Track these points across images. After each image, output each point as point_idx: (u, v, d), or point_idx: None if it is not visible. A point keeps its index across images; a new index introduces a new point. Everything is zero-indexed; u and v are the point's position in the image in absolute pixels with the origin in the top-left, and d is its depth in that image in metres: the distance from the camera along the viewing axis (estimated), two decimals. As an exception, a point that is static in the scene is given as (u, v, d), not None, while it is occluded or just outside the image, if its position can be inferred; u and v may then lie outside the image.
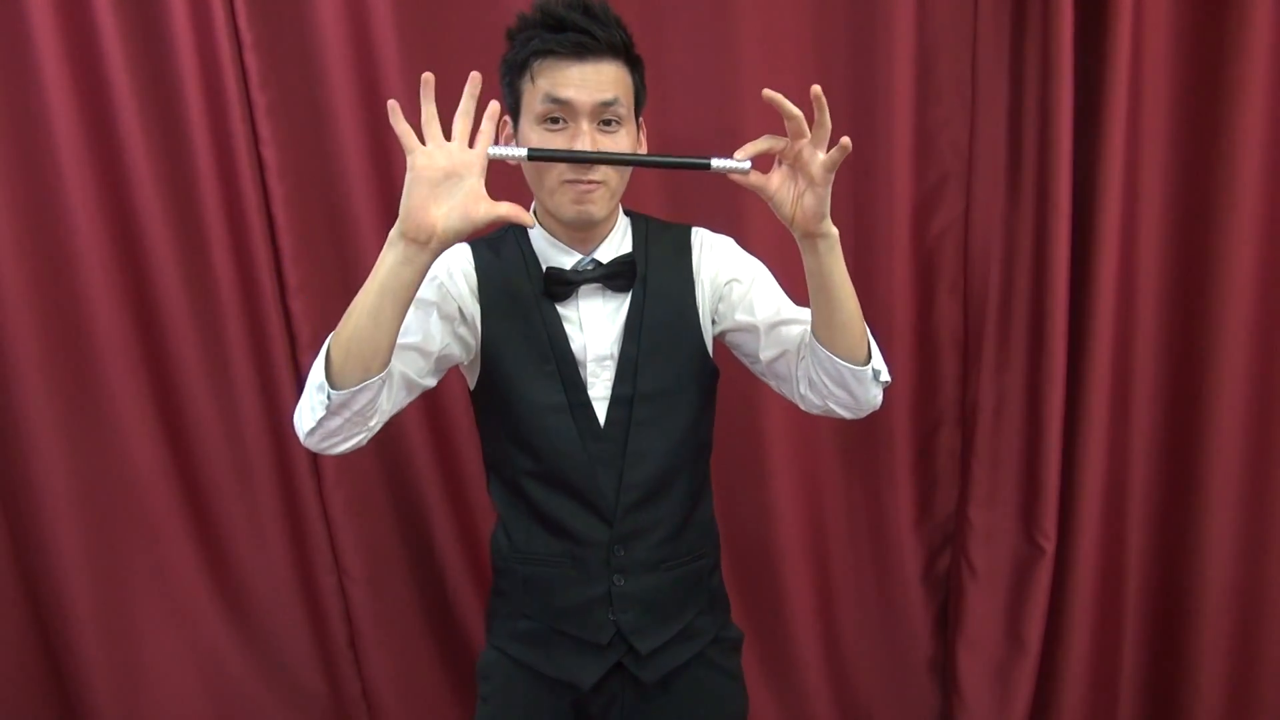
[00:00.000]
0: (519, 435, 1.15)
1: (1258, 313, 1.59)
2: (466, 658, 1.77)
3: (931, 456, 1.84)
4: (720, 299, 1.20)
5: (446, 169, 0.94)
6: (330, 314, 1.61)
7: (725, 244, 1.24)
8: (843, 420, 1.77)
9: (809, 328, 1.17)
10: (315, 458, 1.64)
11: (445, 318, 1.10)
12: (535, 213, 1.16)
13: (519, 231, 1.17)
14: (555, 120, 1.04)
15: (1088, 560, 1.69)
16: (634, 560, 1.17)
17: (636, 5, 1.57)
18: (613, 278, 1.14)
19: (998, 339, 1.72)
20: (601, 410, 1.15)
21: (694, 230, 1.23)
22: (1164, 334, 1.66)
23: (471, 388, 1.19)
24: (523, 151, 0.98)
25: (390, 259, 0.96)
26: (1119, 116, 1.51)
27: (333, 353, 0.97)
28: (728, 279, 1.20)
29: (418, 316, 1.06)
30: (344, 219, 1.58)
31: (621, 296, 1.15)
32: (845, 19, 1.62)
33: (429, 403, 1.66)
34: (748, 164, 0.97)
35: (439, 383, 1.16)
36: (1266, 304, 1.58)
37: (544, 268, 1.13)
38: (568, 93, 1.02)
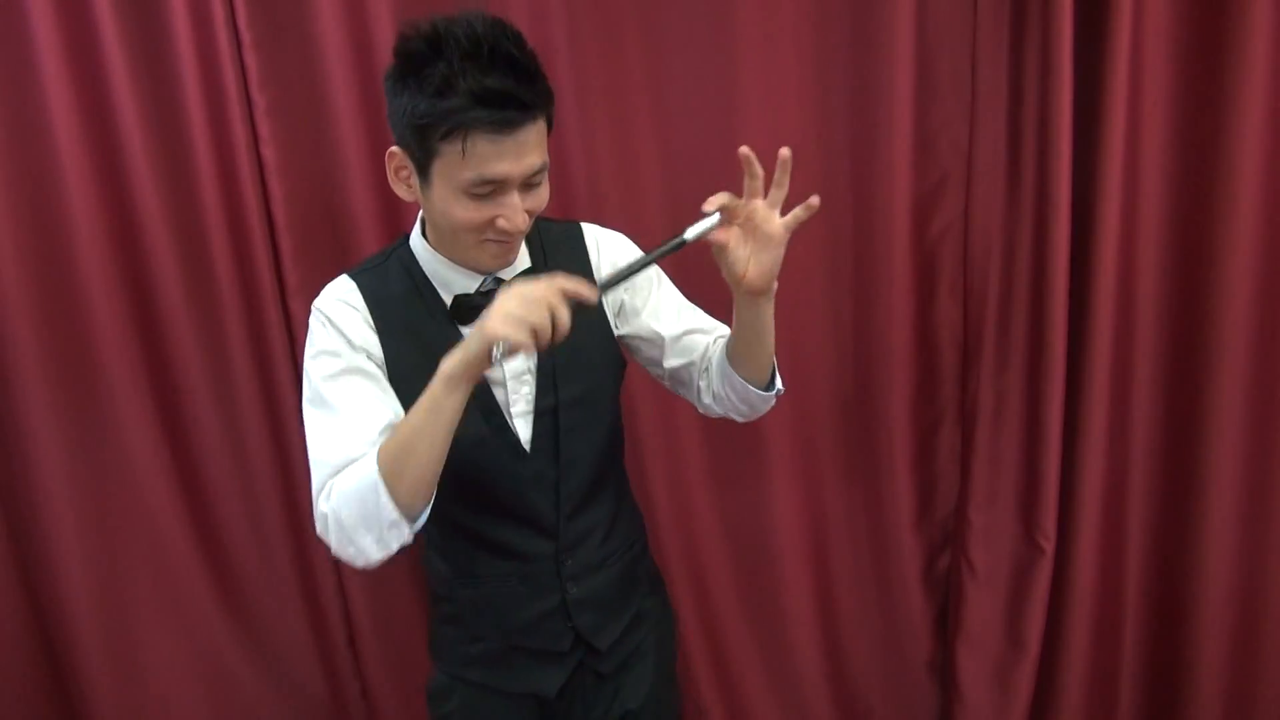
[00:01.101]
0: (450, 463, 1.09)
1: (1258, 312, 1.58)
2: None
3: (931, 456, 1.84)
4: (621, 302, 1.19)
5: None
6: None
7: (620, 242, 1.23)
8: (843, 420, 1.80)
9: (713, 338, 1.19)
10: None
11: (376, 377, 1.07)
12: (426, 236, 1.10)
13: (404, 255, 1.11)
14: (481, 191, 0.97)
15: (1088, 560, 1.69)
16: (581, 565, 1.18)
17: (636, 6, 1.57)
18: None
19: (998, 339, 1.72)
20: (526, 426, 1.12)
21: (584, 226, 1.21)
22: (1164, 334, 1.66)
23: None
24: (593, 296, 0.93)
25: (453, 402, 0.94)
26: (1119, 116, 1.51)
27: (400, 493, 0.96)
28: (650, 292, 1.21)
29: (375, 393, 1.05)
30: (344, 219, 1.58)
31: None
32: (845, 19, 1.62)
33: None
34: (716, 215, 0.96)
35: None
36: (1266, 303, 1.58)
37: (446, 295, 1.09)
38: (502, 169, 0.95)
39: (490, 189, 0.97)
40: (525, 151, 0.96)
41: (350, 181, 1.55)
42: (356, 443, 1.00)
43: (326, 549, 1.65)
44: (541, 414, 1.12)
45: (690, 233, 0.95)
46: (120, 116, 1.48)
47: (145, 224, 1.52)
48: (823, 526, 1.84)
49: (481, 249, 1.04)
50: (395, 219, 1.59)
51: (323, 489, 1.01)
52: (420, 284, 1.10)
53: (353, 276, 1.11)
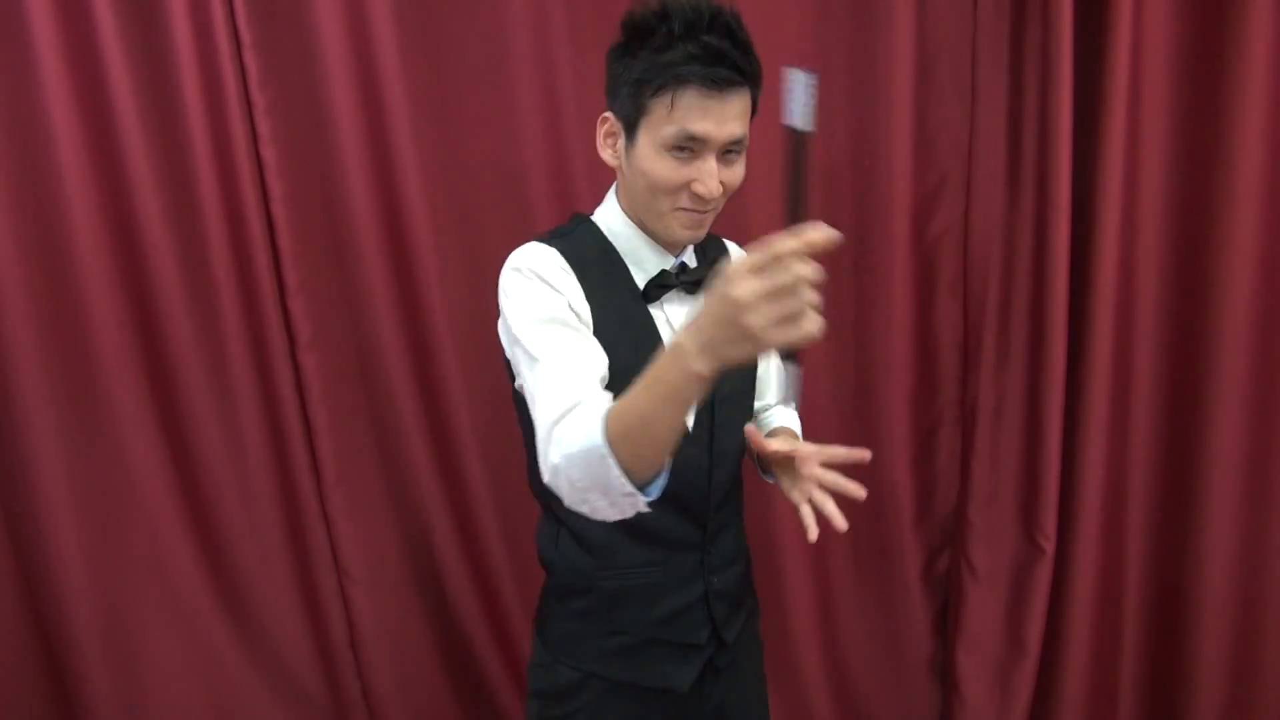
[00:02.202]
0: None
1: (1257, 312, 1.58)
2: (466, 657, 1.77)
3: (931, 456, 1.84)
4: None
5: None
6: (330, 314, 1.62)
7: None
8: (843, 419, 1.80)
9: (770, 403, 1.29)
10: (315, 457, 1.64)
11: (581, 330, 1.06)
12: (622, 208, 1.12)
13: (592, 229, 1.13)
14: (682, 148, 1.01)
15: (1088, 560, 1.69)
16: (722, 557, 1.20)
17: (633, 4, 1.57)
18: (702, 282, 1.13)
19: (998, 339, 1.72)
20: (688, 415, 1.13)
21: (724, 240, 1.27)
22: (1164, 334, 1.66)
23: None
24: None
25: (694, 394, 0.86)
26: (1119, 116, 1.51)
27: (632, 468, 0.89)
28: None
29: (584, 343, 1.02)
30: (344, 218, 1.58)
31: (695, 299, 1.15)
32: (845, 19, 1.62)
33: (429, 403, 1.65)
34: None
35: (438, 382, 1.14)
36: (1266, 303, 1.58)
37: (635, 270, 1.11)
38: (705, 128, 0.99)
39: (690, 149, 1.01)
40: (729, 117, 1.00)
41: (350, 181, 1.55)
42: (574, 388, 0.96)
43: (328, 554, 1.68)
44: (701, 405, 1.14)
45: (798, 119, 0.80)
46: (120, 116, 1.48)
47: (145, 224, 1.52)
48: (823, 526, 1.83)
49: (675, 217, 1.06)
50: (395, 219, 1.59)
51: (549, 438, 0.95)
52: (611, 255, 1.11)
53: (547, 242, 1.09)
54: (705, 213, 1.06)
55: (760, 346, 0.78)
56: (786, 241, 0.73)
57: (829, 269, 1.75)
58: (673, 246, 1.12)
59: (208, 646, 1.68)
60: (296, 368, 1.61)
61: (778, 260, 0.73)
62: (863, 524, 1.85)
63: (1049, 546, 1.70)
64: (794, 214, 0.80)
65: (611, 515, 0.94)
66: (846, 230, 1.72)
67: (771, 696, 1.86)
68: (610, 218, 1.13)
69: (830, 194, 1.69)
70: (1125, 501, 1.71)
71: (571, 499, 0.94)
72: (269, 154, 1.53)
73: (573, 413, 0.94)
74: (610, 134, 1.08)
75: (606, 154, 1.09)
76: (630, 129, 1.04)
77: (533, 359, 1.00)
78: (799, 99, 0.79)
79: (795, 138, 0.79)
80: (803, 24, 1.61)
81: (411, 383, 1.65)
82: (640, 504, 0.92)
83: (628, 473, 0.89)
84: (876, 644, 1.88)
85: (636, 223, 1.11)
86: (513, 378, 1.12)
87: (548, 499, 1.18)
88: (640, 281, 1.11)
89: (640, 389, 0.89)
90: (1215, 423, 1.63)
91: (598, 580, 1.16)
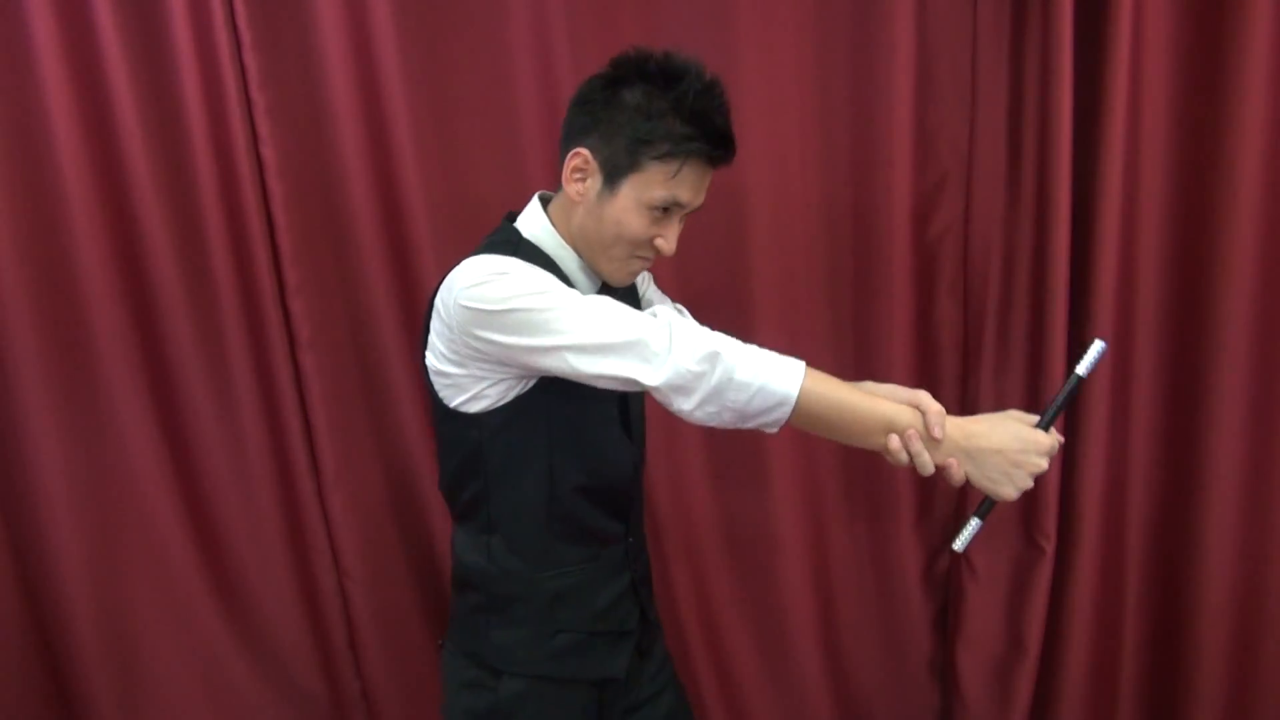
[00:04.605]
0: (580, 447, 1.12)
1: (1258, 312, 1.58)
2: (466, 658, 1.77)
3: (932, 456, 1.84)
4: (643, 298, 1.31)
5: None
6: (330, 314, 1.62)
7: None
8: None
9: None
10: (315, 458, 1.64)
11: None
12: (558, 230, 1.12)
13: (533, 248, 1.11)
14: (661, 209, 1.06)
15: (1088, 560, 1.69)
16: (639, 543, 1.26)
17: (635, 6, 1.57)
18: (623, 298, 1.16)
19: (998, 339, 1.72)
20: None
21: None
22: (1164, 334, 1.66)
23: (504, 401, 1.07)
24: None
25: (872, 441, 1.01)
26: (1119, 116, 1.51)
27: (795, 418, 0.99)
28: (645, 283, 1.31)
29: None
30: (344, 219, 1.58)
31: None
32: (845, 19, 1.62)
33: (427, 402, 1.65)
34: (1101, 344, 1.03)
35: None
36: (1267, 303, 1.58)
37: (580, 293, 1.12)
38: (687, 197, 1.06)
39: (667, 211, 1.06)
40: (704, 188, 1.09)
41: (350, 181, 1.55)
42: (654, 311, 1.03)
43: (328, 554, 1.68)
44: (624, 396, 1.17)
45: (1082, 369, 1.03)
46: (120, 116, 1.48)
47: (145, 224, 1.52)
48: (823, 526, 1.83)
49: (627, 263, 1.10)
50: (396, 219, 1.59)
51: (684, 335, 0.98)
52: (560, 277, 1.09)
53: (504, 254, 1.07)
54: (651, 261, 1.11)
55: (1005, 491, 1.00)
56: (1055, 446, 1.02)
57: (829, 268, 1.76)
58: (613, 280, 1.14)
59: (207, 646, 1.68)
60: (296, 368, 1.61)
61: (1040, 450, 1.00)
62: (863, 524, 1.85)
63: (1049, 546, 1.69)
64: (1048, 423, 1.03)
65: (710, 421, 1.00)
66: (846, 230, 1.72)
67: (771, 696, 1.87)
68: (542, 234, 1.12)
69: (831, 194, 1.69)
70: (1125, 501, 1.71)
71: (694, 395, 0.98)
72: (269, 154, 1.53)
73: (717, 338, 0.99)
74: (580, 170, 1.07)
75: (572, 188, 1.08)
76: (614, 177, 1.04)
77: (575, 305, 1.00)
78: (1091, 358, 1.02)
79: (1076, 380, 1.03)
80: (802, 24, 1.61)
81: (412, 383, 1.65)
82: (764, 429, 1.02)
83: (789, 420, 0.99)
84: (876, 644, 1.88)
85: (573, 248, 1.12)
86: (434, 395, 1.12)
87: (469, 508, 1.16)
88: None
89: (858, 400, 1.01)
90: (1216, 422, 1.63)
91: (538, 583, 1.15)
